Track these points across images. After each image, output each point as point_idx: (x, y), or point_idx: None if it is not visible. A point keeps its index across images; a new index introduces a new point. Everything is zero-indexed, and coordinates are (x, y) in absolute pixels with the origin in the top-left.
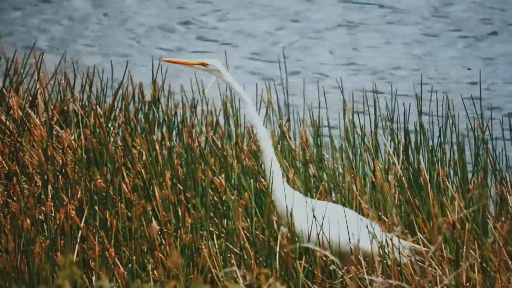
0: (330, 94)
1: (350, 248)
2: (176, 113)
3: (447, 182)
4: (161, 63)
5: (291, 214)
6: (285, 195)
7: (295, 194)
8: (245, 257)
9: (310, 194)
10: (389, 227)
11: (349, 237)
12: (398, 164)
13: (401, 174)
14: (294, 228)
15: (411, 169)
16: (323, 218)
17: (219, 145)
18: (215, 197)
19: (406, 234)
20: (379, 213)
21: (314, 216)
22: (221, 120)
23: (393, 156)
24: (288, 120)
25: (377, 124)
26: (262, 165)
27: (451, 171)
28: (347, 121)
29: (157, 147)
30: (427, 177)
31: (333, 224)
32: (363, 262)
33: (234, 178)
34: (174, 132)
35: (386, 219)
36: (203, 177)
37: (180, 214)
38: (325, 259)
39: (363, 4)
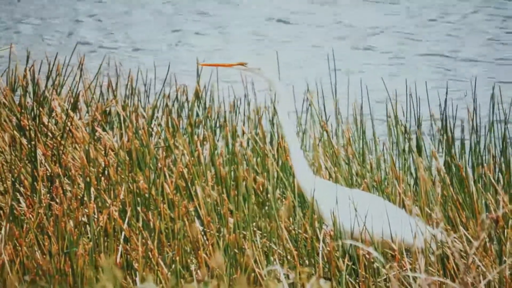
0: (373, 92)
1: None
2: (218, 113)
3: (491, 178)
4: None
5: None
6: (313, 187)
7: (326, 183)
8: (288, 256)
9: None
10: (432, 223)
11: (390, 230)
12: (442, 160)
13: (444, 170)
14: (323, 219)
15: (454, 166)
16: (361, 209)
17: (261, 145)
18: (257, 197)
19: (449, 230)
20: (422, 210)
21: (355, 209)
22: (264, 119)
23: (436, 153)
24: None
25: (420, 122)
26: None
27: (496, 167)
28: (391, 118)
29: (199, 147)
30: (470, 173)
31: (374, 216)
32: (406, 258)
33: (276, 177)
34: (217, 133)
35: (429, 216)
36: (246, 177)
37: (222, 214)
38: (368, 256)
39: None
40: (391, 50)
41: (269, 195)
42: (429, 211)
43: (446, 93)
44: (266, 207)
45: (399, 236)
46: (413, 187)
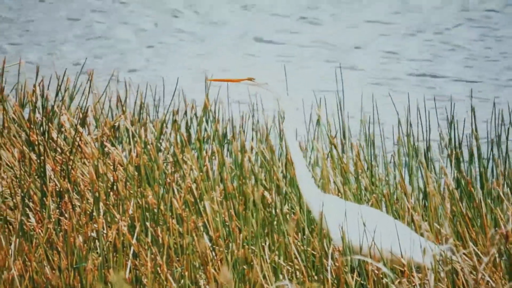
0: (383, 106)
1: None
2: (226, 128)
3: (500, 193)
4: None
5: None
6: (319, 203)
7: (332, 199)
8: (297, 271)
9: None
10: (441, 239)
11: (400, 248)
12: (450, 175)
13: (453, 186)
14: (330, 234)
15: (463, 181)
16: (370, 225)
17: (269, 159)
18: (265, 211)
19: (458, 245)
20: (431, 225)
21: (364, 225)
22: (272, 134)
23: (445, 168)
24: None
25: (429, 137)
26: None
27: (504, 182)
28: (400, 134)
29: (207, 162)
30: (479, 188)
31: (383, 233)
32: (415, 274)
33: (284, 192)
34: (225, 147)
35: (437, 231)
36: (254, 192)
37: (231, 229)
38: (377, 272)
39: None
40: (377, 68)
41: (277, 210)
42: (438, 227)
43: (452, 109)
44: (275, 222)
45: (407, 254)
46: (422, 202)
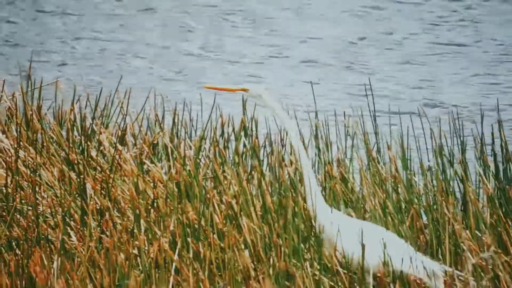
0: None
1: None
2: (265, 143)
3: None
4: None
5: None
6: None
7: (339, 216)
8: (339, 283)
9: (401, 216)
10: (484, 247)
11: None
12: (489, 183)
13: (493, 193)
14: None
15: (502, 188)
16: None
17: None
18: (306, 225)
19: (500, 253)
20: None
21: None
22: (310, 148)
23: (483, 176)
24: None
25: (465, 147)
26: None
27: None
28: (436, 144)
29: (246, 177)
30: None
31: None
32: (457, 282)
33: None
34: (264, 162)
35: (478, 239)
36: (294, 205)
37: (272, 242)
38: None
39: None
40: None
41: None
42: (479, 234)
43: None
44: (317, 235)
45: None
46: (461, 211)
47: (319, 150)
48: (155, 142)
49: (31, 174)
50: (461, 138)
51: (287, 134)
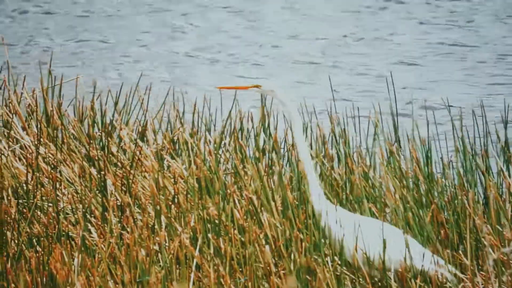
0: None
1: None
2: (285, 138)
3: None
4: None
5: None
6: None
7: (339, 211)
8: (360, 278)
9: (422, 211)
10: (505, 242)
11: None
12: (510, 178)
13: None
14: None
15: None
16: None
17: (328, 168)
18: None
19: None
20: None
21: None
22: (330, 143)
23: (504, 170)
24: (398, 141)
25: (486, 140)
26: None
27: None
28: (457, 138)
29: (267, 172)
30: None
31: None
32: (478, 278)
33: (345, 200)
34: (285, 157)
35: (499, 234)
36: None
37: (293, 238)
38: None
39: None
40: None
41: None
42: (500, 229)
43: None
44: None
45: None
46: (482, 205)
47: (337, 143)
48: (175, 137)
49: (52, 171)
50: (485, 131)
51: (286, 130)
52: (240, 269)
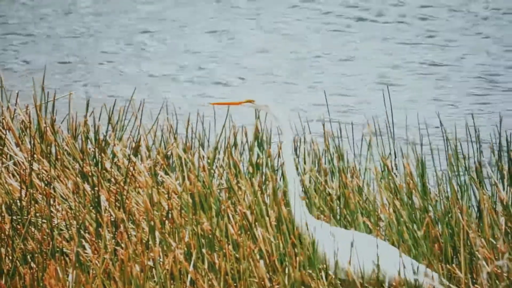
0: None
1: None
2: (279, 152)
3: None
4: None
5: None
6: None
7: (321, 224)
8: None
9: (416, 225)
10: (499, 255)
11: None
12: (504, 191)
13: (507, 200)
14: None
15: None
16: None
17: (322, 182)
18: None
19: None
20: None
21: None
22: (324, 158)
23: (498, 183)
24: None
25: (480, 152)
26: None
27: None
28: (451, 151)
29: (261, 187)
30: None
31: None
32: None
33: (339, 214)
34: (278, 172)
35: (493, 247)
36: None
37: (287, 252)
38: None
39: None
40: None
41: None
42: (494, 242)
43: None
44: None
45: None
46: (476, 218)
47: (330, 159)
48: (169, 153)
49: (46, 187)
50: (478, 145)
51: (280, 145)
52: (235, 284)
